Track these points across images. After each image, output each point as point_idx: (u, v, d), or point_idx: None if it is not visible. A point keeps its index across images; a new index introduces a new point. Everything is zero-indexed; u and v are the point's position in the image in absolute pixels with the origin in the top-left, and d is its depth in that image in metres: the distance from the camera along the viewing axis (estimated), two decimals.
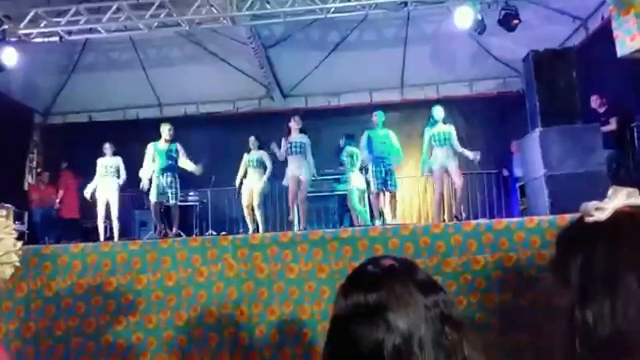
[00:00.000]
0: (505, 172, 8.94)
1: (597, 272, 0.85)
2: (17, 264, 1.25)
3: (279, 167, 7.22)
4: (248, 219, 7.30)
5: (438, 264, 3.26)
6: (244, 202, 7.29)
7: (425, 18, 8.27)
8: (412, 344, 0.85)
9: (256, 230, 7.12)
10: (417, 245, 3.32)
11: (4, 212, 1.27)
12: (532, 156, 5.44)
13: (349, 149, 7.35)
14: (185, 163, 7.03)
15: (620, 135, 6.49)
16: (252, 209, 7.26)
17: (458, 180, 6.49)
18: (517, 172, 8.50)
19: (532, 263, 3.23)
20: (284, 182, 7.05)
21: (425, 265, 3.29)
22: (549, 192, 5.02)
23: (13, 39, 6.91)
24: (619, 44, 6.06)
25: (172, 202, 6.87)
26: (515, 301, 3.19)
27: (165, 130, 6.97)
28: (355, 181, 7.29)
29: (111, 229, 7.45)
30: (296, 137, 6.97)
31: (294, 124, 7.00)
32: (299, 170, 6.85)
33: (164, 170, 6.83)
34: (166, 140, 6.98)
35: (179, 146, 7.04)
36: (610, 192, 0.92)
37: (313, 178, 7.64)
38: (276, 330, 3.25)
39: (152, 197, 6.82)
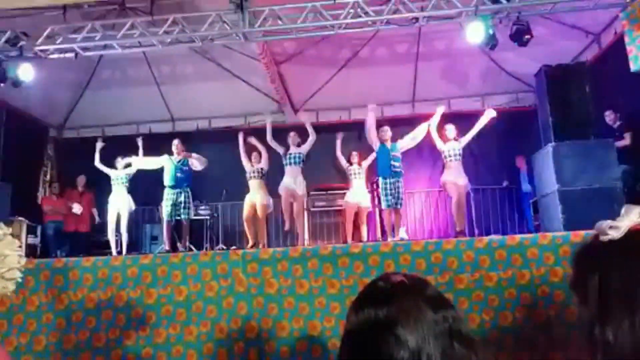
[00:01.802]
0: (505, 183, 8.90)
1: (614, 290, 0.86)
2: (20, 280, 1.25)
3: (277, 178, 7.22)
4: (248, 232, 7.23)
5: (450, 281, 3.23)
6: (245, 214, 7.28)
7: (436, 34, 8.28)
8: (421, 359, 0.86)
9: (256, 245, 7.07)
10: (429, 262, 3.29)
11: (10, 230, 1.28)
12: (545, 171, 5.39)
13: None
14: (194, 164, 7.09)
15: (635, 150, 6.41)
16: (253, 223, 7.21)
17: (463, 197, 6.70)
18: (525, 187, 8.46)
19: (546, 280, 3.19)
20: (280, 192, 7.05)
21: (437, 282, 3.26)
22: (562, 207, 4.96)
23: (29, 55, 7.04)
24: (633, 59, 6.04)
25: (183, 217, 6.92)
26: (530, 319, 3.14)
27: (173, 145, 7.14)
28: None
29: (121, 242, 7.49)
30: (293, 149, 7.11)
31: (290, 140, 7.17)
32: (294, 185, 6.93)
33: (174, 187, 6.91)
34: (178, 155, 7.10)
35: (190, 160, 7.12)
36: (623, 210, 0.94)
37: (323, 193, 7.66)
38: (286, 347, 3.22)
39: (165, 215, 6.90)
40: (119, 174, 7.62)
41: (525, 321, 3.15)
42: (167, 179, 6.97)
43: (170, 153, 7.16)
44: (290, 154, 7.08)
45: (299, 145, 7.16)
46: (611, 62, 7.07)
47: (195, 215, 8.61)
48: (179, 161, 7.06)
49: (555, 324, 3.06)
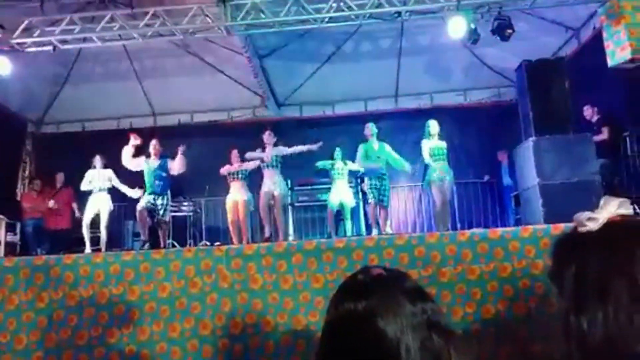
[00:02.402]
0: (486, 178, 9.00)
1: (589, 280, 0.88)
2: None
3: (256, 179, 7.17)
4: (233, 235, 7.13)
5: (433, 274, 3.25)
6: (230, 218, 7.20)
7: (419, 29, 8.32)
8: (400, 350, 0.87)
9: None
10: (412, 255, 3.32)
11: None
12: (526, 165, 5.46)
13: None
14: (175, 166, 6.83)
15: (613, 144, 6.53)
16: (237, 225, 7.13)
17: (448, 193, 6.60)
18: (506, 180, 8.57)
19: (527, 273, 3.24)
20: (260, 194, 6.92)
21: (420, 276, 3.29)
22: (543, 201, 5.04)
23: (6, 49, 6.89)
24: (610, 55, 6.15)
25: (160, 217, 6.76)
26: (511, 311, 3.19)
27: (151, 147, 6.87)
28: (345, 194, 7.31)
29: (99, 239, 7.33)
30: (270, 151, 6.89)
31: (266, 138, 6.92)
32: (273, 186, 6.78)
33: (152, 193, 6.74)
34: (155, 156, 6.85)
35: (170, 162, 6.85)
36: (602, 202, 0.96)
37: (309, 188, 7.66)
38: (271, 342, 3.22)
39: (139, 206, 6.72)
40: (98, 176, 7.39)
41: (507, 313, 3.20)
42: (147, 185, 6.80)
43: (149, 154, 6.89)
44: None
45: (275, 145, 6.93)
46: (590, 57, 7.18)
47: (178, 211, 8.55)
48: (158, 165, 6.80)
49: (535, 315, 3.11)
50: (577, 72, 6.51)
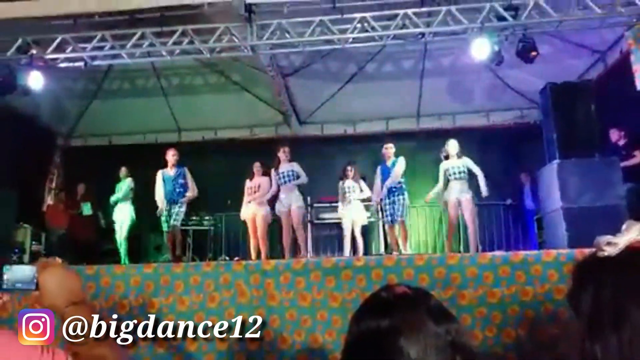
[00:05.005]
0: (509, 201, 8.87)
1: (605, 306, 0.87)
2: None
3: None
4: (252, 249, 7.09)
5: (453, 296, 3.21)
6: (251, 230, 7.19)
7: (442, 51, 8.33)
8: None
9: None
10: (432, 277, 3.28)
11: None
12: (550, 188, 5.38)
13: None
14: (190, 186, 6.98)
15: None
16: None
17: (468, 214, 6.45)
18: (528, 204, 8.44)
19: (550, 297, 3.17)
20: (277, 212, 6.95)
21: (440, 297, 3.23)
22: (566, 225, 4.95)
23: (39, 64, 7.11)
24: (638, 78, 6.06)
25: (172, 224, 6.81)
26: (533, 336, 3.12)
27: (169, 155, 7.01)
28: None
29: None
30: (285, 166, 6.92)
31: (283, 155, 6.96)
32: (288, 201, 6.77)
33: (170, 201, 6.84)
34: (172, 166, 6.99)
35: (186, 170, 7.02)
36: (624, 226, 0.94)
37: (327, 205, 7.64)
38: (287, 359, 3.21)
39: (164, 227, 6.87)
40: (122, 186, 7.57)
41: (528, 339, 3.13)
42: (165, 194, 6.90)
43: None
44: (281, 172, 6.91)
45: (290, 161, 6.98)
46: (617, 80, 7.09)
47: (198, 225, 8.62)
48: (176, 174, 6.92)
49: (558, 341, 3.04)
50: (604, 95, 6.43)
